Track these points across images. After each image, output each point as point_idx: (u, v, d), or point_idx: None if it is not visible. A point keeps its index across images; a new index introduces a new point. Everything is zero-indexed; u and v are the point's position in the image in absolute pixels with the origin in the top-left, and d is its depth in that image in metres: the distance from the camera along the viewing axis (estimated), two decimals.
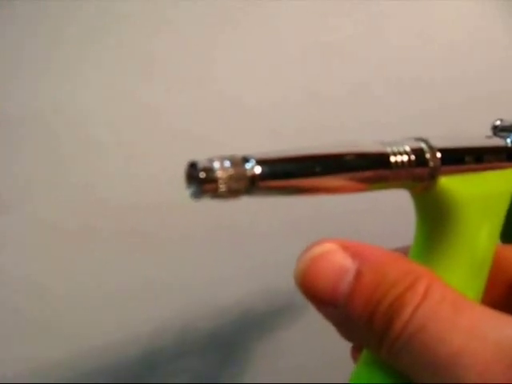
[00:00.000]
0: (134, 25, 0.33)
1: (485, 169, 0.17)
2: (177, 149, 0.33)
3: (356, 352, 0.24)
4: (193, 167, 0.13)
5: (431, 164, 0.16)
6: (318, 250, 0.15)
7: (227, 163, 0.13)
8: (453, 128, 0.40)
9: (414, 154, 0.15)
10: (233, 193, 0.13)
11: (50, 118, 0.31)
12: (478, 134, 0.19)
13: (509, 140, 0.18)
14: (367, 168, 0.15)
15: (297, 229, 0.36)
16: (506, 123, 0.19)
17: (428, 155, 0.16)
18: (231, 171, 0.13)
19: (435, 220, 0.17)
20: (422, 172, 0.15)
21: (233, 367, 0.37)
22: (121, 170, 0.33)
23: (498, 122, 0.19)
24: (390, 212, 0.37)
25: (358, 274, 0.15)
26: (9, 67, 0.30)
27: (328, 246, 0.15)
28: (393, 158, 0.15)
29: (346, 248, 0.15)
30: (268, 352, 0.38)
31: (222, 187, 0.12)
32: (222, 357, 0.37)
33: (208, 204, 0.37)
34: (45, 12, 0.31)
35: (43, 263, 0.32)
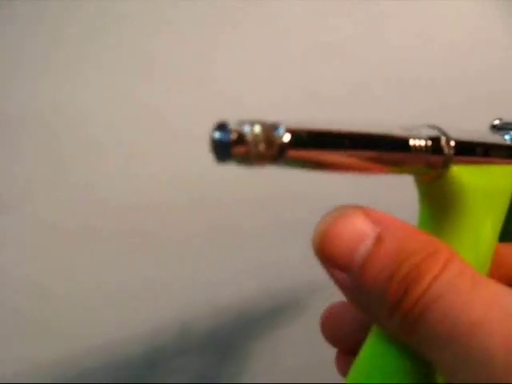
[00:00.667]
0: (134, 25, 0.33)
1: (491, 163, 0.17)
2: (177, 149, 0.33)
3: (341, 359, 0.23)
4: (221, 128, 0.12)
5: (446, 151, 0.16)
6: (339, 212, 0.15)
7: (257, 128, 0.12)
8: (453, 128, 0.40)
9: (430, 140, 0.15)
10: (261, 159, 0.12)
11: (50, 118, 0.31)
12: (482, 129, 0.19)
13: (507, 137, 0.19)
14: (389, 148, 0.15)
15: (296, 230, 0.36)
16: (505, 122, 0.19)
17: (443, 143, 0.16)
18: (262, 136, 0.12)
19: (441, 210, 0.17)
20: (437, 159, 0.16)
21: (232, 367, 0.37)
22: (121, 169, 0.33)
23: (497, 121, 0.20)
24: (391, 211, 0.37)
25: (378, 240, 0.14)
26: (9, 67, 0.30)
27: (350, 210, 0.15)
28: (412, 142, 0.15)
29: (368, 214, 0.15)
30: (267, 351, 0.38)
31: (252, 151, 0.12)
32: (220, 356, 0.37)
33: (208, 204, 0.37)
34: (45, 12, 0.31)
35: (43, 263, 0.32)
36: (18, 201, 0.31)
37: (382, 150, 0.14)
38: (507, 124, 0.19)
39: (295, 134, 0.13)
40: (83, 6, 0.31)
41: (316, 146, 0.13)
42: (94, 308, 0.33)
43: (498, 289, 0.14)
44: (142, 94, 0.33)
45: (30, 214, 0.31)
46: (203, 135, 0.38)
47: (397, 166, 0.15)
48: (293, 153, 0.13)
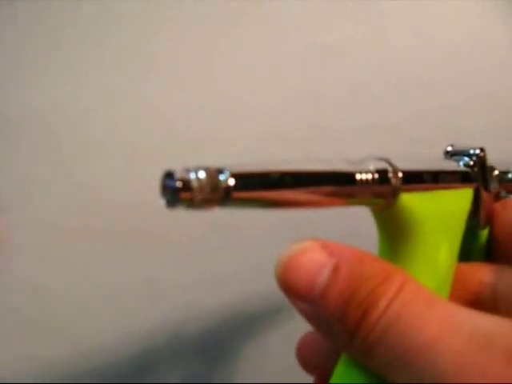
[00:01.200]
0: (134, 25, 0.33)
1: (443, 189, 0.18)
2: (177, 149, 0.34)
3: None
4: (169, 176, 0.13)
5: (393, 182, 0.17)
6: (298, 247, 0.16)
7: (202, 174, 0.13)
8: (453, 128, 0.40)
9: (377, 173, 0.16)
10: (208, 203, 0.13)
11: (49, 118, 0.31)
12: (436, 156, 0.20)
13: (461, 163, 0.20)
14: (335, 183, 0.16)
15: (296, 230, 0.36)
16: (457, 148, 0.21)
17: (391, 175, 0.17)
18: (207, 181, 0.13)
19: (396, 236, 0.18)
20: (385, 190, 0.17)
21: (224, 367, 0.37)
22: (121, 170, 0.33)
23: (450, 148, 0.21)
24: None
25: (335, 269, 0.15)
26: (9, 67, 0.30)
27: (308, 244, 0.16)
28: (358, 176, 0.16)
29: (325, 246, 0.16)
30: (261, 352, 0.38)
31: (198, 196, 0.13)
32: (213, 357, 0.37)
33: None
34: (45, 12, 0.31)
35: (43, 263, 0.32)
36: (18, 201, 0.31)
37: (328, 185, 0.15)
38: (459, 151, 0.20)
39: (239, 177, 0.14)
40: (83, 6, 0.31)
41: (261, 187, 0.14)
42: (93, 308, 0.33)
43: (452, 308, 0.15)
44: (142, 94, 0.33)
45: (30, 213, 0.31)
46: (203, 135, 0.38)
47: (347, 199, 0.16)
48: (238, 194, 0.14)
